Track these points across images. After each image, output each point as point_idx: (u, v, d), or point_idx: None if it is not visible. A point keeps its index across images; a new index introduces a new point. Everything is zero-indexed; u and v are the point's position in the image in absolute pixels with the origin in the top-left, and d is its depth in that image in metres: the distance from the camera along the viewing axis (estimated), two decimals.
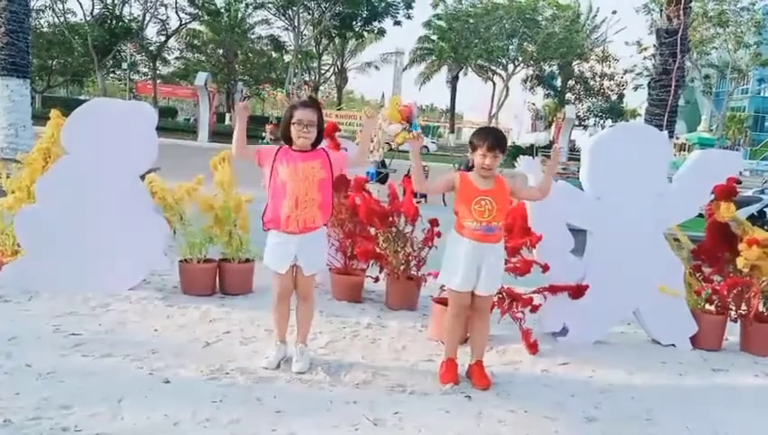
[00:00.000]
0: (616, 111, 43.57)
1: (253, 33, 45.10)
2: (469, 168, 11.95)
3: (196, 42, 45.93)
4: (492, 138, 3.31)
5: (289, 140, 3.37)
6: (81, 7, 40.24)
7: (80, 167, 4.52)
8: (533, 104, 47.49)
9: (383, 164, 13.47)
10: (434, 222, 4.72)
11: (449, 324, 3.52)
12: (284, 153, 3.35)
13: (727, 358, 4.30)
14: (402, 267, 4.80)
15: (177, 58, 48.25)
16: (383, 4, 40.83)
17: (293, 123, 3.31)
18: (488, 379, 3.43)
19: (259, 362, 3.47)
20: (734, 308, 4.53)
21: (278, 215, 3.32)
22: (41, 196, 4.50)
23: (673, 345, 4.42)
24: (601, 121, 44.30)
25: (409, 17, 42.27)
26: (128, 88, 44.29)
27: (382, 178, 12.81)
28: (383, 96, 48.40)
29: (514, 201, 3.78)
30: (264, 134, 20.02)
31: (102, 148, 4.51)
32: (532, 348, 4.01)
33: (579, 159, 4.84)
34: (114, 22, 40.61)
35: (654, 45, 13.88)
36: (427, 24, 46.15)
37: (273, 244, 3.39)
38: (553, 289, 4.13)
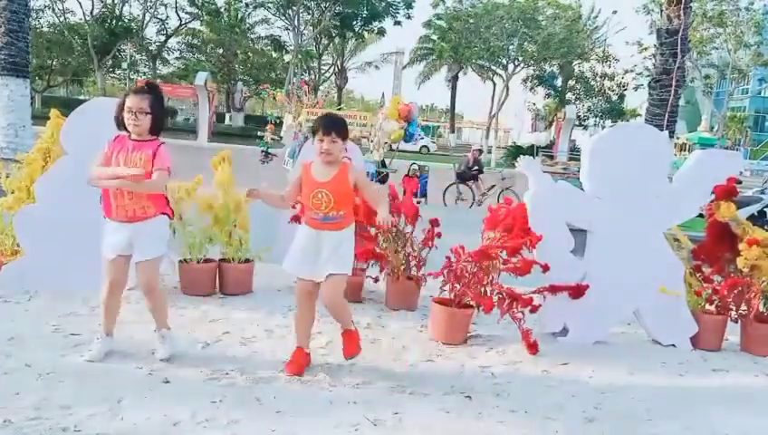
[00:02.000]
0: (616, 111, 43.54)
1: (253, 33, 45.14)
2: (469, 167, 12.01)
3: (195, 41, 45.94)
4: (327, 120, 3.33)
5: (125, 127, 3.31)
6: (81, 7, 40.33)
7: (80, 167, 4.50)
8: (534, 104, 47.47)
9: (383, 164, 13.47)
10: (434, 222, 4.71)
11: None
12: (120, 141, 3.32)
13: (727, 358, 4.30)
14: (402, 267, 4.80)
15: (176, 58, 48.26)
16: (383, 4, 40.84)
17: (125, 111, 3.25)
18: (357, 345, 3.45)
19: (263, 363, 3.47)
20: (734, 308, 4.52)
21: (110, 207, 3.30)
22: (41, 196, 4.50)
23: (673, 345, 4.42)
24: (602, 121, 44.28)
25: (409, 17, 42.32)
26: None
27: (382, 178, 12.82)
28: (383, 96, 48.48)
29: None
30: (263, 134, 19.98)
31: (102, 148, 4.50)
32: (532, 348, 4.00)
33: (579, 159, 4.83)
34: (114, 21, 40.61)
35: (654, 45, 13.89)
36: (428, 24, 46.14)
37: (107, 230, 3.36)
38: (553, 289, 4.13)
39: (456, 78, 49.01)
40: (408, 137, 12.88)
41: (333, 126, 3.28)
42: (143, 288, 3.46)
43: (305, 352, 3.48)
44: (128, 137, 3.33)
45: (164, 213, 3.43)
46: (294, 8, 39.17)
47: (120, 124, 3.33)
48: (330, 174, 3.30)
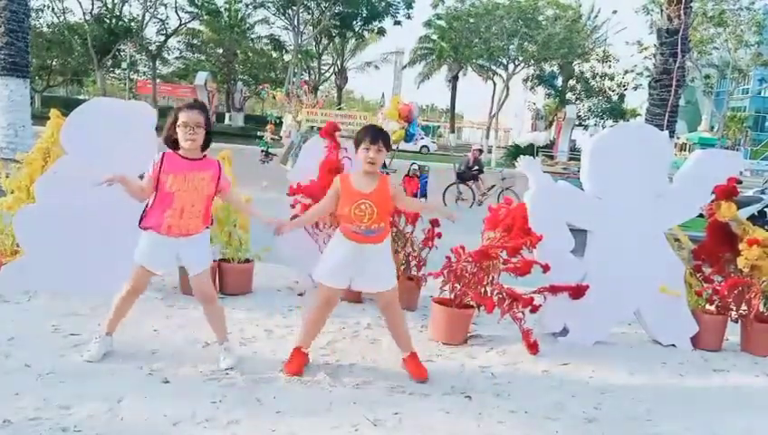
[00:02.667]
0: (617, 111, 43.54)
1: (252, 33, 45.14)
2: (469, 167, 12.01)
3: (195, 41, 45.94)
4: (374, 131, 3.38)
5: (174, 144, 3.29)
6: (81, 7, 40.27)
7: (79, 167, 4.51)
8: (534, 104, 47.48)
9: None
10: (434, 222, 4.71)
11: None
12: (171, 161, 3.26)
13: (728, 358, 4.30)
14: (402, 267, 4.80)
15: (176, 58, 48.28)
16: (383, 4, 40.82)
17: (179, 126, 3.22)
18: (424, 369, 3.47)
19: (263, 363, 3.47)
20: (734, 308, 4.52)
21: (160, 224, 3.26)
22: (40, 196, 4.50)
23: (673, 346, 4.42)
24: (602, 121, 44.28)
25: (409, 17, 42.28)
26: (127, 87, 44.28)
27: None
28: (383, 96, 48.45)
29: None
30: (263, 134, 20.00)
31: (102, 147, 4.50)
32: (533, 348, 4.00)
33: (579, 159, 4.83)
34: (114, 21, 40.59)
35: (654, 45, 13.89)
36: (428, 24, 46.13)
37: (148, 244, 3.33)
38: (553, 289, 4.13)
39: (455, 78, 49.00)
40: (408, 137, 12.86)
41: (380, 136, 3.33)
42: (203, 298, 3.47)
43: (304, 352, 3.49)
44: (179, 156, 3.29)
45: (207, 226, 3.46)
46: (294, 8, 39.16)
47: (169, 141, 3.31)
48: (372, 185, 3.32)
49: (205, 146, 3.33)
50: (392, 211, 3.43)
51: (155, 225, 3.28)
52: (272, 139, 20.15)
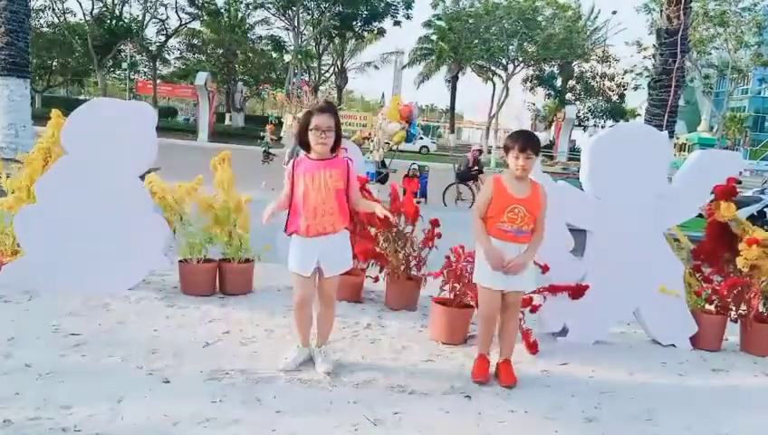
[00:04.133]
0: (617, 112, 43.55)
1: (253, 33, 45.07)
2: (469, 167, 12.03)
3: (196, 42, 45.91)
4: (525, 137, 3.39)
5: (306, 147, 3.32)
6: (81, 7, 40.28)
7: (80, 167, 4.52)
8: (533, 104, 47.47)
9: (383, 164, 13.48)
10: (434, 222, 4.71)
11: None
12: (301, 163, 3.31)
13: (727, 358, 4.30)
14: (402, 267, 4.80)
15: (177, 58, 48.26)
16: (383, 4, 40.78)
17: (311, 129, 3.25)
18: (514, 376, 3.50)
19: (263, 363, 3.47)
20: (733, 308, 4.53)
21: (299, 224, 3.30)
22: (41, 196, 4.50)
23: (673, 345, 4.43)
24: (601, 122, 44.29)
25: (409, 17, 42.21)
26: (128, 88, 44.29)
27: (382, 178, 12.83)
28: (383, 96, 48.43)
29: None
30: (263, 134, 19.99)
31: (102, 147, 4.51)
32: (532, 348, 4.00)
33: (579, 159, 4.83)
34: (114, 22, 40.58)
35: (654, 45, 13.89)
36: (427, 24, 46.13)
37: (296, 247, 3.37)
38: (553, 289, 4.13)
39: (455, 78, 48.99)
40: (408, 137, 12.87)
41: (530, 142, 3.35)
42: (326, 300, 3.47)
43: (486, 358, 3.58)
44: (308, 158, 3.31)
45: (346, 227, 3.44)
46: (294, 8, 39.14)
47: (303, 144, 3.32)
48: (525, 191, 3.38)
49: (334, 146, 3.33)
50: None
51: (296, 228, 3.32)
52: (272, 139, 20.12)
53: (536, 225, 3.45)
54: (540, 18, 40.49)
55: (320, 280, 3.43)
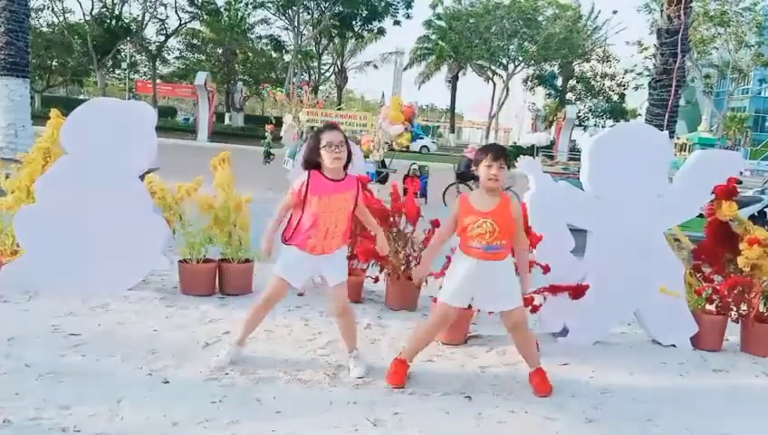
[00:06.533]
0: (617, 111, 43.54)
1: (252, 33, 45.08)
2: (469, 167, 12.00)
3: (195, 41, 45.91)
4: (498, 148, 3.36)
5: (317, 165, 3.32)
6: (81, 7, 40.40)
7: (79, 167, 4.52)
8: (534, 104, 47.46)
9: (383, 164, 13.47)
10: (435, 223, 4.71)
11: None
12: (317, 181, 3.31)
13: (728, 358, 4.30)
14: (402, 268, 4.80)
15: (176, 58, 48.24)
16: (383, 4, 40.78)
17: (323, 147, 3.26)
18: (549, 384, 3.44)
19: (263, 363, 3.46)
20: (734, 308, 4.52)
21: (305, 243, 3.31)
22: (40, 196, 4.50)
23: (673, 346, 4.42)
24: (602, 122, 44.29)
25: (409, 17, 42.23)
26: (127, 87, 44.28)
27: (382, 178, 12.82)
28: (383, 96, 48.32)
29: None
30: (267, 134, 19.99)
31: (102, 147, 4.51)
32: None
33: (579, 159, 4.83)
34: (113, 21, 40.58)
35: (654, 45, 13.87)
36: (427, 24, 46.14)
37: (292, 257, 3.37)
38: (553, 289, 4.13)
39: (455, 78, 49.01)
40: (413, 138, 12.88)
41: (503, 153, 3.31)
42: (340, 310, 3.47)
43: (406, 363, 3.48)
44: (324, 176, 3.31)
45: (346, 243, 3.49)
46: (294, 8, 39.15)
47: (312, 165, 3.33)
48: (492, 204, 3.28)
49: (346, 163, 3.35)
50: (514, 231, 3.35)
51: (299, 243, 3.33)
52: (272, 139, 20.12)
53: (515, 242, 3.37)
54: (540, 18, 40.49)
55: (331, 293, 3.43)
